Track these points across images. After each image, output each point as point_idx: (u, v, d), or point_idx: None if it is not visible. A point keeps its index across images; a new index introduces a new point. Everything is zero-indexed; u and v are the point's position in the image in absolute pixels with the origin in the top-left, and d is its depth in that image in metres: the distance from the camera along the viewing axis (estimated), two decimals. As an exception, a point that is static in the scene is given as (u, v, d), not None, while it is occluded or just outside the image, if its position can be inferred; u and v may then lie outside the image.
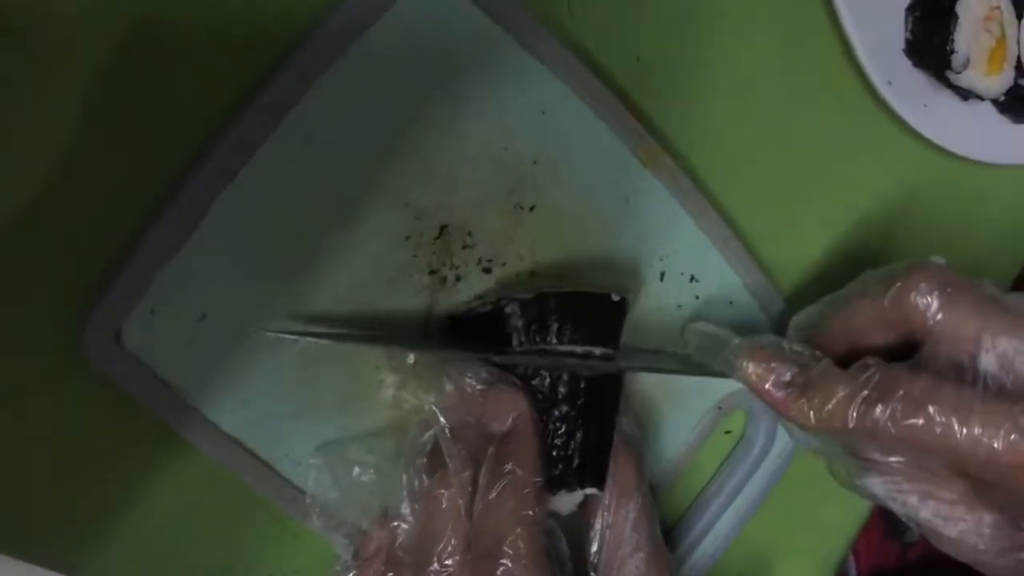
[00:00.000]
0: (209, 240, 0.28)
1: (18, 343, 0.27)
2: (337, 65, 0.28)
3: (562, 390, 0.32)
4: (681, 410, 0.40)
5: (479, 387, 0.32)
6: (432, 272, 0.33)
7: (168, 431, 0.30)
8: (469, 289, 0.34)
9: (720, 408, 0.41)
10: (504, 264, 0.34)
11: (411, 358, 0.32)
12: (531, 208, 0.34)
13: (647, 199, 0.36)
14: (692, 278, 0.38)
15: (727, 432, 0.43)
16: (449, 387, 0.31)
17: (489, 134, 0.32)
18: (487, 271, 0.34)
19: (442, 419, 0.31)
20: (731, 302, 0.39)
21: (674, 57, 0.36)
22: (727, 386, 0.40)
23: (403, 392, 0.32)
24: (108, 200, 0.27)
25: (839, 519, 0.49)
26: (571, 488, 0.33)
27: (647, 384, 0.39)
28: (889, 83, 0.39)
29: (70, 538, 0.30)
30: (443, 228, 0.32)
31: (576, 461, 0.33)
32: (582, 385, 0.32)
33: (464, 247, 0.33)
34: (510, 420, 0.31)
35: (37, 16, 0.25)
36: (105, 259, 0.28)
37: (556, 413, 0.32)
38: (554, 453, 0.32)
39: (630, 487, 0.34)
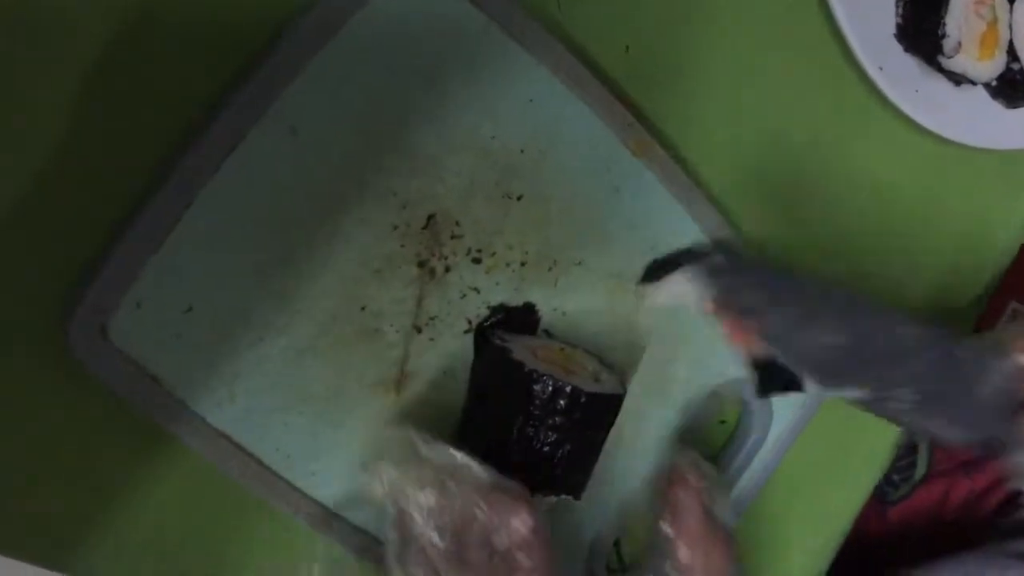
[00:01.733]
0: (194, 232, 0.28)
1: (3, 341, 0.27)
2: (321, 55, 0.28)
3: (561, 402, 0.32)
4: (677, 396, 0.40)
5: (479, 489, 0.30)
6: (421, 264, 0.32)
7: (156, 427, 0.29)
8: (460, 281, 0.33)
9: (715, 396, 0.41)
10: (494, 254, 0.34)
11: (424, 450, 0.31)
12: (519, 198, 0.33)
13: (637, 188, 0.36)
14: (684, 267, 0.38)
15: (722, 422, 0.43)
16: (432, 500, 0.30)
17: (475, 123, 0.32)
18: (477, 261, 0.33)
19: (425, 528, 0.30)
20: (723, 291, 0.39)
21: (664, 46, 0.36)
22: (720, 375, 0.40)
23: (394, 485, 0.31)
24: (92, 194, 0.27)
25: (840, 506, 0.49)
26: (547, 494, 0.33)
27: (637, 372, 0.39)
28: (880, 69, 0.38)
29: (60, 535, 0.30)
30: (430, 218, 0.32)
31: (558, 471, 0.33)
32: (582, 400, 0.32)
33: (452, 237, 0.33)
34: (518, 533, 0.30)
35: (29, 6, 0.24)
36: (90, 254, 0.27)
37: (550, 421, 0.32)
38: (540, 458, 0.33)
39: None
